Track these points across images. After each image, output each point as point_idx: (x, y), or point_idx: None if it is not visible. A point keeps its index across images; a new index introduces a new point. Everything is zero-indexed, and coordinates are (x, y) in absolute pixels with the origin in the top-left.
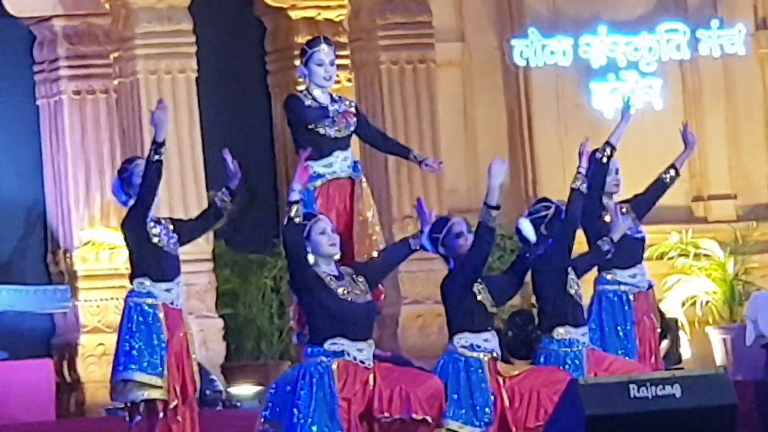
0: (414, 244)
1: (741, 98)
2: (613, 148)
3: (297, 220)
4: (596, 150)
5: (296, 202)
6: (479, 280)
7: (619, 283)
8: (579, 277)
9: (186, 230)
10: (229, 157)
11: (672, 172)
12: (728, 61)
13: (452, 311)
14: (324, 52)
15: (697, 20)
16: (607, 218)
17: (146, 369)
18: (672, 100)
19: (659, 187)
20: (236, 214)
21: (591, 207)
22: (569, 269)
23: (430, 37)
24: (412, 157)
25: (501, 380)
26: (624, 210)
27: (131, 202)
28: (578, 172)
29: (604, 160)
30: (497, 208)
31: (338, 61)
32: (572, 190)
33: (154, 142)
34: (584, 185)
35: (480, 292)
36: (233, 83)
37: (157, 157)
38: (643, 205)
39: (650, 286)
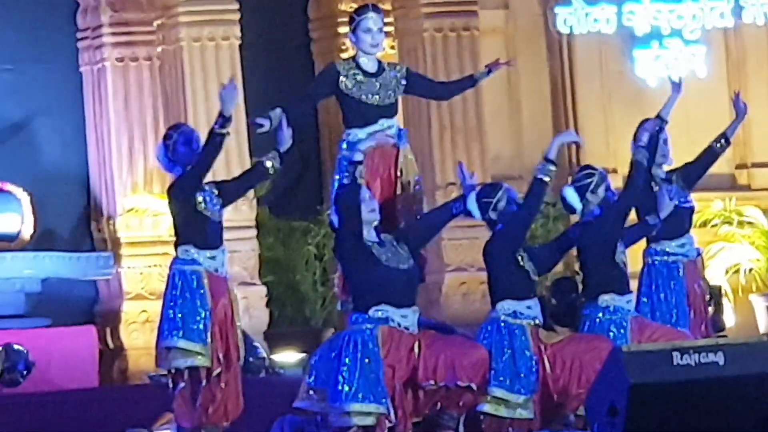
0: (456, 208)
1: None
2: (664, 122)
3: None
4: (645, 120)
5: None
6: (521, 248)
7: (668, 254)
8: (626, 248)
9: (229, 191)
10: (284, 122)
11: (722, 140)
12: None
13: (496, 275)
14: (372, 19)
15: None
16: (655, 188)
17: (190, 336)
18: (716, 68)
19: (710, 155)
20: (284, 182)
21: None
22: (619, 239)
23: (474, 5)
24: (479, 77)
25: (543, 347)
26: (673, 178)
27: (176, 169)
28: (639, 145)
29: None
30: (554, 163)
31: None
32: (634, 161)
33: (220, 114)
34: (645, 158)
35: (522, 259)
36: (277, 50)
37: (221, 130)
38: (693, 174)
39: (698, 254)
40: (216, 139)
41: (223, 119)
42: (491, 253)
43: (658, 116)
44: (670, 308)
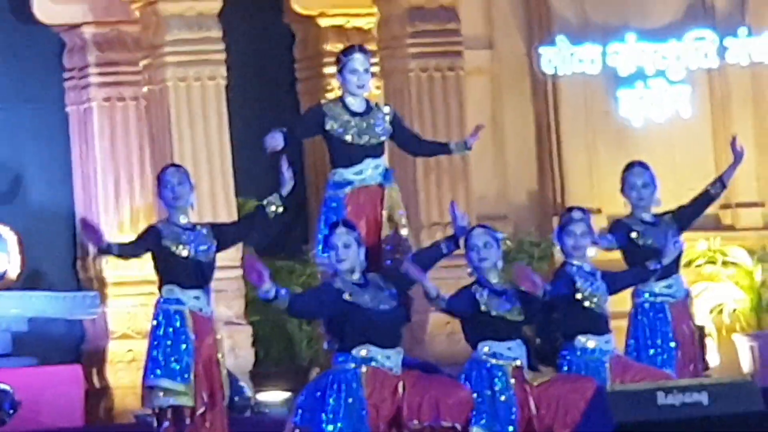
0: (447, 247)
1: None
2: (724, 186)
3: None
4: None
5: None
6: (504, 291)
7: (656, 294)
8: (615, 292)
9: (228, 234)
10: (285, 164)
11: (718, 184)
12: (756, 69)
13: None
14: (359, 60)
15: (726, 28)
16: (633, 234)
17: (172, 375)
18: (700, 108)
19: (705, 199)
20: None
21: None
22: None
23: (459, 45)
24: (453, 147)
25: (527, 388)
26: (664, 220)
27: (167, 211)
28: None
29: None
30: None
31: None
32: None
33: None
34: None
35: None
36: (263, 91)
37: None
38: (687, 217)
39: (687, 295)
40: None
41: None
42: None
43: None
44: (656, 349)
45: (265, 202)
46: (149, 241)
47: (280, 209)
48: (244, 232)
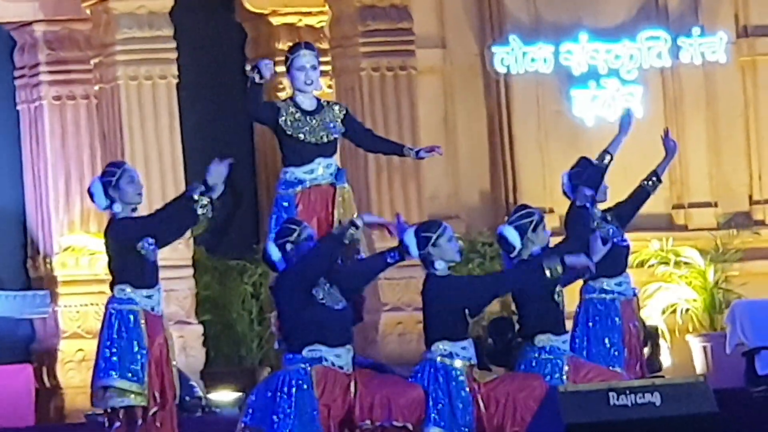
0: (391, 257)
1: (722, 106)
2: (611, 157)
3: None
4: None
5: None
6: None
7: (606, 291)
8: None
9: (164, 234)
10: (217, 160)
11: (654, 179)
12: (709, 68)
13: (434, 318)
14: (305, 57)
15: (679, 28)
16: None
17: (126, 375)
18: (653, 108)
19: (641, 194)
20: (218, 220)
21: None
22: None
23: (411, 44)
24: (407, 151)
25: (476, 386)
26: (608, 217)
27: (114, 206)
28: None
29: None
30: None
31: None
32: (578, 208)
33: (204, 183)
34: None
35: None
36: (214, 89)
37: (196, 197)
38: (625, 213)
39: (634, 294)
40: (191, 206)
41: (205, 189)
42: (434, 298)
43: (606, 150)
44: (605, 346)
45: (189, 189)
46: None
47: (210, 213)
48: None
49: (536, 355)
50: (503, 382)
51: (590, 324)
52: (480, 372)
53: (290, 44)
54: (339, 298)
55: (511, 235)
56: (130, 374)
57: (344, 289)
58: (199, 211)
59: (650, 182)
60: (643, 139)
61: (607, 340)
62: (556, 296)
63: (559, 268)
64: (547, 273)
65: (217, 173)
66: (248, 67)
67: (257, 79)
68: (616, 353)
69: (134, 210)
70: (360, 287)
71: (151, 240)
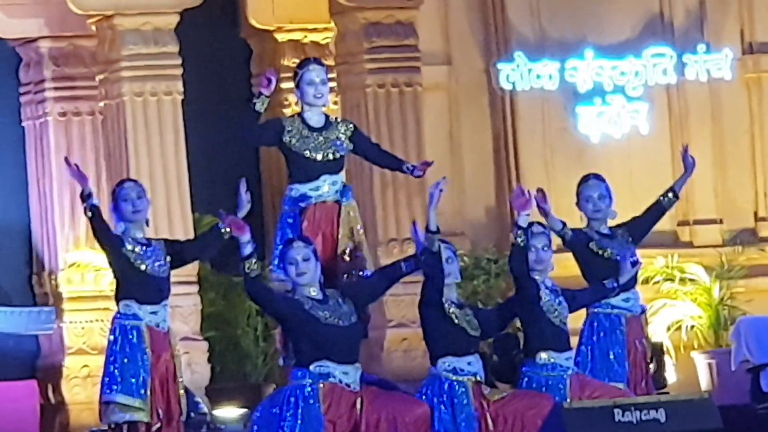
0: (407, 267)
1: (727, 123)
2: (676, 197)
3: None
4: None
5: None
6: (463, 305)
7: (613, 306)
8: (574, 311)
9: (183, 252)
10: (243, 187)
11: (670, 195)
12: (714, 85)
13: (431, 335)
14: (315, 71)
15: (684, 45)
16: (594, 248)
17: (128, 391)
18: (658, 125)
19: (657, 210)
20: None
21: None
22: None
23: (417, 61)
24: (405, 169)
25: (485, 403)
26: (618, 233)
27: (120, 226)
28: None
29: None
30: (437, 232)
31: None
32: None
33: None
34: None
35: (457, 317)
36: (219, 105)
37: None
38: (640, 228)
39: (643, 311)
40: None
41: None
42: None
43: (671, 188)
44: (609, 362)
45: (220, 223)
46: (112, 236)
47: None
48: (198, 252)
49: (538, 371)
50: (512, 399)
51: (594, 338)
52: (488, 389)
53: (298, 61)
54: (350, 313)
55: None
56: (132, 390)
57: (360, 301)
58: (226, 235)
59: (667, 198)
60: (648, 156)
61: (611, 354)
62: (548, 316)
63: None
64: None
65: (247, 203)
66: (254, 89)
67: (257, 107)
68: (619, 368)
69: (140, 227)
70: (374, 299)
71: (156, 248)
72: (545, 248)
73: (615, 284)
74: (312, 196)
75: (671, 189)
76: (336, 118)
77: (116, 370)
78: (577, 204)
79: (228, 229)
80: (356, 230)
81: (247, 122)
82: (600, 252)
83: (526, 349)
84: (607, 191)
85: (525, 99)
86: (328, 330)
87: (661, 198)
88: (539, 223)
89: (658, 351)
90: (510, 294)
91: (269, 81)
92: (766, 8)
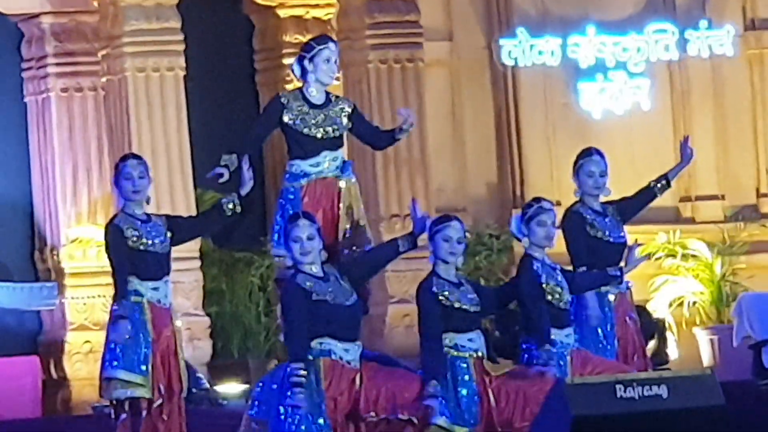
0: (403, 245)
1: (729, 99)
2: (668, 185)
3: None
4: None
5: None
6: (461, 283)
7: None
8: (576, 293)
9: (184, 229)
10: (246, 164)
11: (663, 182)
12: (716, 61)
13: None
14: (332, 50)
15: (686, 21)
16: (590, 230)
17: (130, 367)
18: (660, 101)
19: (647, 195)
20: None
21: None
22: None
23: (419, 37)
24: (397, 134)
25: (487, 379)
26: (609, 210)
27: (120, 202)
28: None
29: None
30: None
31: None
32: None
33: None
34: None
35: (449, 298)
36: (221, 81)
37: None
38: (629, 209)
39: (627, 288)
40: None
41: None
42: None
43: (664, 176)
44: (598, 339)
45: (223, 200)
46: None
47: (238, 209)
48: (200, 228)
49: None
50: (515, 376)
51: (584, 316)
52: (489, 365)
53: (300, 37)
54: (350, 291)
55: (515, 222)
56: (133, 366)
57: (356, 278)
58: (228, 206)
59: (659, 185)
60: (650, 132)
61: (599, 331)
62: (548, 297)
63: None
64: None
65: (250, 179)
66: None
67: (223, 179)
68: (609, 346)
69: (139, 204)
70: (371, 275)
71: (155, 224)
72: (554, 224)
73: (618, 272)
74: (312, 172)
75: (665, 176)
76: (337, 96)
77: (117, 347)
78: (575, 176)
79: (231, 206)
80: (357, 206)
81: (248, 138)
82: (592, 233)
83: (527, 327)
84: (607, 168)
85: (527, 75)
86: (330, 308)
87: (654, 184)
88: (545, 199)
89: (660, 327)
90: (511, 272)
91: (220, 175)
92: None
